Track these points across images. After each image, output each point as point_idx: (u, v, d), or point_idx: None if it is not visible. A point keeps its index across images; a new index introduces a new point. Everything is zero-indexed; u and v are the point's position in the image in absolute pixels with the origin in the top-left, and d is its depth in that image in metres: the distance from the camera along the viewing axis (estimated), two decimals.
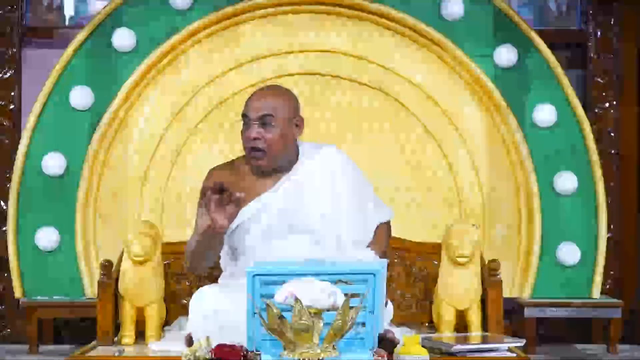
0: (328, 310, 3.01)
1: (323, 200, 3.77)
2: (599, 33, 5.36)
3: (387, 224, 3.98)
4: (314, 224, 3.74)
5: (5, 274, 5.08)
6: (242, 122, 3.81)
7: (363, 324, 3.20)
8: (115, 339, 3.94)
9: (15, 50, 5.30)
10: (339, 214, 3.77)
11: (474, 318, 3.98)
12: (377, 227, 3.91)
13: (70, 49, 4.96)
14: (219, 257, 3.90)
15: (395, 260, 4.33)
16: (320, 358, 3.01)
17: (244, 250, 3.76)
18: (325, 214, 3.76)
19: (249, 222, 3.75)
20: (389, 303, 3.80)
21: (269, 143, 3.70)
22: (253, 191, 3.77)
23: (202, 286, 3.82)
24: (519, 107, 4.98)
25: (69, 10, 5.44)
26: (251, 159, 3.75)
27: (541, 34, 5.05)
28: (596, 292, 4.96)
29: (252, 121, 3.72)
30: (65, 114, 4.96)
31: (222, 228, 3.50)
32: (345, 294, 3.04)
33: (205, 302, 3.60)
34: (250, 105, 3.75)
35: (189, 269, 3.79)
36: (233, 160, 3.94)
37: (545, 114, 4.97)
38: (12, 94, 5.30)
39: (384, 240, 3.92)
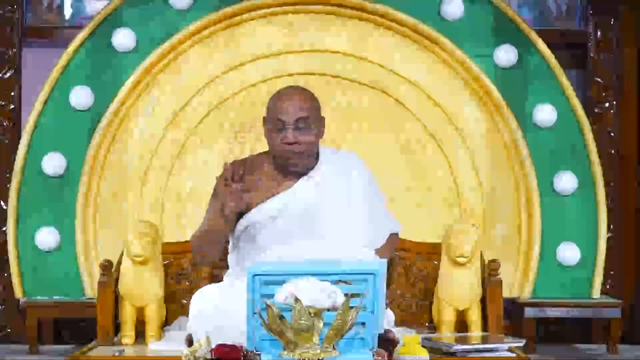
0: (328, 310, 3.01)
1: (337, 205, 3.76)
2: (599, 33, 5.36)
3: (396, 235, 3.97)
4: (327, 228, 3.73)
5: (5, 274, 5.08)
6: (269, 124, 3.70)
7: (363, 324, 3.20)
8: (115, 339, 3.94)
9: (15, 50, 5.30)
10: (351, 220, 3.76)
11: (474, 318, 3.97)
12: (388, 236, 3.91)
13: (70, 49, 4.96)
14: (226, 254, 3.89)
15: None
16: (320, 358, 3.01)
17: (253, 250, 3.75)
18: (338, 219, 3.75)
19: (264, 222, 3.74)
20: (387, 308, 3.79)
21: (306, 146, 3.69)
22: (270, 191, 3.76)
23: (202, 286, 3.82)
24: (519, 107, 4.99)
25: (68, 10, 5.44)
26: (286, 163, 3.72)
27: (541, 34, 5.05)
28: (596, 292, 4.96)
29: (287, 125, 3.67)
30: (65, 114, 4.96)
31: (231, 209, 3.54)
32: (345, 294, 3.03)
33: (205, 302, 3.59)
34: (283, 108, 3.67)
35: (199, 257, 3.76)
36: (252, 157, 3.91)
37: (545, 114, 4.97)
38: (12, 94, 5.30)
39: (390, 249, 3.91)
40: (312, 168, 3.77)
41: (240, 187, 3.52)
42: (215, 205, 3.64)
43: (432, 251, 4.29)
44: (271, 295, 3.07)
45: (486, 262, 4.07)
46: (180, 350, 3.36)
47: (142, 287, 3.91)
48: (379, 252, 3.80)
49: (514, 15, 5.02)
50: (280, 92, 3.77)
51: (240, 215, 3.76)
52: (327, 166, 3.79)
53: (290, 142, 3.66)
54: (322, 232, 3.72)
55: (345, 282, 3.16)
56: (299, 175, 3.76)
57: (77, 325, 5.08)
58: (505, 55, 4.99)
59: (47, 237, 4.91)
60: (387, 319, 3.74)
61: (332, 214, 3.74)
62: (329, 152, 3.86)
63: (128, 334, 3.91)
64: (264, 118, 3.77)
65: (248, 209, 3.75)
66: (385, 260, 3.50)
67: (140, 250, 3.88)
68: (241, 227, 3.77)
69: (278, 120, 3.67)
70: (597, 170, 4.97)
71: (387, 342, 3.34)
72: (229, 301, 3.54)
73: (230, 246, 3.87)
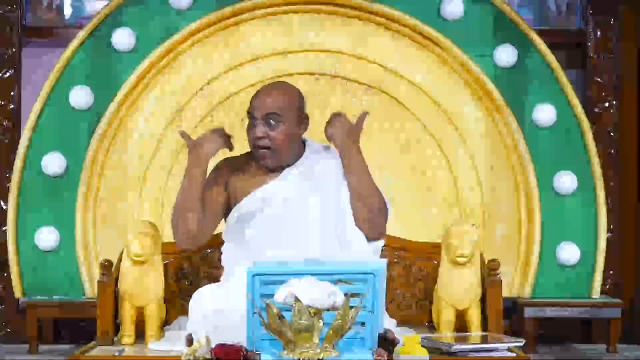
0: (328, 310, 3.01)
1: (322, 196, 3.78)
2: (599, 33, 5.36)
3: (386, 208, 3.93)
4: (315, 218, 3.75)
5: (5, 274, 5.08)
6: (247, 120, 3.81)
7: (363, 324, 3.20)
8: (115, 339, 3.94)
9: (15, 50, 5.30)
10: (340, 211, 3.77)
11: (474, 318, 3.97)
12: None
13: (70, 49, 4.97)
14: (221, 254, 3.90)
15: (395, 260, 4.33)
16: (320, 358, 3.01)
17: (245, 242, 3.76)
18: (323, 211, 3.76)
19: (251, 213, 3.76)
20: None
21: (275, 141, 3.72)
22: (257, 182, 3.79)
23: (202, 286, 3.83)
24: (519, 107, 4.99)
25: (69, 10, 5.44)
26: (257, 157, 3.76)
27: (541, 34, 5.05)
28: (596, 292, 4.96)
29: (257, 120, 3.72)
30: (65, 114, 4.96)
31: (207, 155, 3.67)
32: (345, 294, 3.04)
33: (205, 302, 3.60)
34: (255, 103, 3.76)
35: (180, 235, 3.79)
36: (240, 155, 3.95)
37: (545, 114, 4.97)
38: (12, 94, 5.30)
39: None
40: (298, 160, 3.80)
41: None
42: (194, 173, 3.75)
43: (432, 251, 4.29)
44: (271, 295, 3.07)
45: (486, 262, 4.07)
46: (180, 350, 3.36)
47: (142, 287, 3.90)
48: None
49: (514, 15, 5.02)
50: (261, 87, 3.87)
51: (229, 210, 3.80)
52: (315, 159, 3.81)
53: (259, 137, 3.71)
54: (308, 223, 3.73)
55: (345, 282, 3.17)
56: (285, 167, 3.79)
57: (77, 325, 5.08)
58: (505, 55, 4.99)
59: (47, 237, 4.91)
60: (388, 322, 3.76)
61: (316, 206, 3.76)
62: (316, 146, 3.89)
63: (128, 334, 3.91)
64: None
65: (237, 201, 3.78)
66: (385, 260, 3.50)
67: (140, 250, 3.88)
68: (231, 221, 3.79)
69: (250, 115, 3.74)
70: (597, 170, 4.97)
71: (387, 342, 3.34)
72: (228, 301, 3.55)
73: (223, 247, 3.90)
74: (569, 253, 4.94)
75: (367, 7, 4.97)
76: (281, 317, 3.01)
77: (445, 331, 3.98)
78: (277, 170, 3.81)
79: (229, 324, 3.44)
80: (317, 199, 3.77)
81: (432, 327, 4.13)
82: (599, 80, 5.36)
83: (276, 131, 3.73)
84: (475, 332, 3.93)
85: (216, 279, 4.01)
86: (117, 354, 3.65)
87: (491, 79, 4.97)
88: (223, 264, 3.90)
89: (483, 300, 3.99)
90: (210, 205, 3.78)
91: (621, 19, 5.36)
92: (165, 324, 4.05)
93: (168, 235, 4.65)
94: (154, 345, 3.83)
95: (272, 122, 3.72)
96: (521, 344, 3.68)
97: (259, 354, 3.17)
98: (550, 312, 4.92)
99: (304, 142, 3.89)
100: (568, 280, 4.96)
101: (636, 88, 5.40)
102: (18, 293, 4.93)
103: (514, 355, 3.58)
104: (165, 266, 4.10)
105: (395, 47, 5.00)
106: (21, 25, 5.32)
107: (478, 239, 4.00)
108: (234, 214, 3.80)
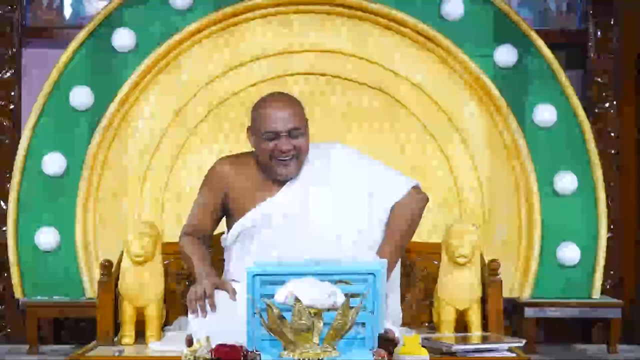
0: (328, 310, 3.01)
1: (329, 201, 3.75)
2: (599, 33, 5.36)
3: (415, 190, 3.89)
4: (319, 228, 3.73)
5: (5, 274, 5.08)
6: (258, 135, 3.68)
7: (363, 324, 3.20)
8: (115, 339, 3.94)
9: (15, 50, 5.30)
10: (344, 216, 3.75)
11: (474, 318, 3.97)
12: (392, 210, 3.84)
13: (70, 49, 4.97)
14: (224, 260, 3.91)
15: None
16: (320, 358, 3.01)
17: (247, 256, 3.75)
18: (332, 217, 3.74)
19: (255, 228, 3.74)
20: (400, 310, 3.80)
21: (300, 150, 3.68)
22: (257, 194, 3.75)
23: None
24: (519, 107, 4.99)
25: (68, 10, 5.44)
26: (280, 167, 3.69)
27: (541, 34, 5.06)
28: (596, 292, 4.96)
29: (281, 134, 3.65)
30: (65, 114, 4.96)
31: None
32: (345, 294, 3.04)
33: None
34: (275, 119, 3.64)
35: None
36: (240, 156, 3.90)
37: (545, 114, 4.97)
38: (12, 94, 5.30)
39: (399, 228, 3.84)
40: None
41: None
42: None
43: (432, 251, 4.29)
44: (271, 295, 3.07)
45: (486, 262, 4.07)
46: (180, 350, 3.36)
47: (142, 287, 3.90)
48: (383, 245, 3.79)
49: (514, 15, 5.02)
50: (266, 101, 3.72)
51: (229, 222, 3.80)
52: (312, 164, 3.78)
53: (285, 150, 3.65)
54: (314, 232, 3.71)
55: (345, 282, 3.17)
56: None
57: (77, 325, 5.08)
58: (505, 55, 5.00)
59: (47, 237, 4.91)
60: (394, 318, 3.75)
61: (323, 212, 3.73)
62: (310, 147, 3.85)
63: (128, 334, 3.90)
64: (248, 128, 3.75)
65: (239, 215, 3.76)
66: (385, 260, 3.50)
67: (140, 250, 3.88)
68: (233, 236, 3.78)
69: (270, 133, 3.64)
70: (597, 170, 4.97)
71: (387, 342, 3.34)
72: (228, 302, 3.55)
73: (225, 254, 3.89)
74: (569, 253, 4.94)
75: (367, 7, 4.97)
76: (281, 317, 3.01)
77: (445, 331, 3.98)
78: (275, 180, 3.76)
79: (229, 324, 3.43)
80: (319, 209, 3.75)
81: (432, 327, 4.13)
82: (599, 80, 5.36)
83: (300, 141, 3.68)
84: (475, 332, 3.93)
85: None
86: (117, 354, 3.64)
87: (491, 79, 4.97)
88: (225, 268, 3.90)
89: (483, 300, 3.99)
90: (208, 210, 3.82)
91: (621, 19, 5.36)
92: (165, 324, 4.04)
93: (168, 235, 4.67)
94: (154, 345, 3.83)
95: (294, 134, 3.67)
96: (521, 344, 3.68)
97: (259, 354, 3.17)
98: (550, 312, 4.92)
99: None
100: (568, 280, 4.97)
101: (636, 88, 5.40)
102: (18, 293, 4.93)
103: (514, 355, 3.58)
104: (165, 266, 4.10)
105: (395, 47, 5.00)
106: (21, 25, 5.32)
107: (478, 239, 4.00)
108: (236, 228, 3.77)
